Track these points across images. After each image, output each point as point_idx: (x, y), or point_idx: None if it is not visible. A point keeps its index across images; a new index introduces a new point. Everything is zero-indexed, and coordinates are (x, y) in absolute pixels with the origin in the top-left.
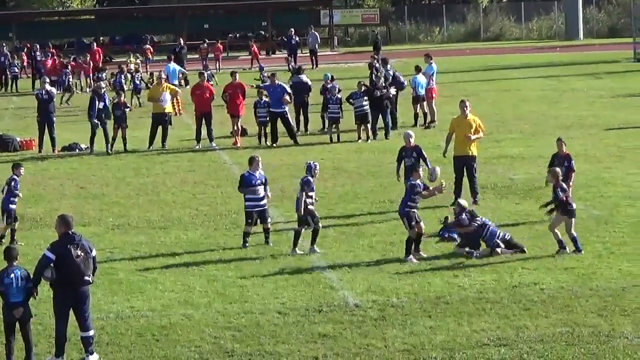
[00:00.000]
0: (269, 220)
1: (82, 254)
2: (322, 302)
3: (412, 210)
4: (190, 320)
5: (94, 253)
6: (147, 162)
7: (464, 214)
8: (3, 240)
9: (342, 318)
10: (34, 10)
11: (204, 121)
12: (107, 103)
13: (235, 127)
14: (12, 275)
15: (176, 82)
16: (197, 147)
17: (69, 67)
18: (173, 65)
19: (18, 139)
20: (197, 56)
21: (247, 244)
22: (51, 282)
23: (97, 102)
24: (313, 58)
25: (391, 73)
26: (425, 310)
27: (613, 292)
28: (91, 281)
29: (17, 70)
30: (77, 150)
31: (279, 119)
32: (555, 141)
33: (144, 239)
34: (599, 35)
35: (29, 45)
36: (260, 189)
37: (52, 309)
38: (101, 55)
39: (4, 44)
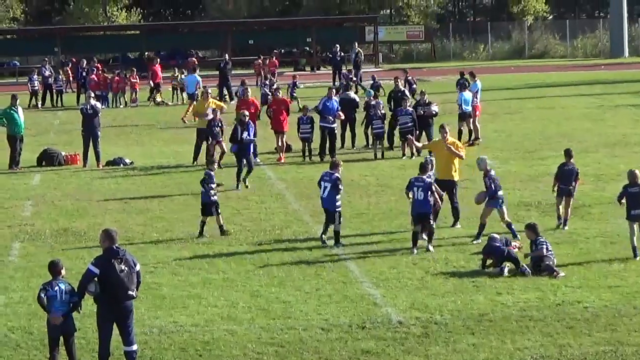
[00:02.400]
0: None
1: (126, 268)
2: (365, 318)
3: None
4: (233, 336)
5: (137, 268)
6: (191, 177)
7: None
8: (227, 233)
9: (385, 335)
10: (80, 25)
11: None
12: (252, 132)
13: (280, 143)
14: (57, 288)
15: (197, 92)
16: None
17: (112, 82)
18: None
19: (63, 154)
20: (242, 72)
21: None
22: (95, 296)
23: (239, 133)
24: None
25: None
26: (468, 328)
27: None
28: (135, 296)
29: (62, 85)
30: (122, 164)
31: (328, 134)
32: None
33: (187, 254)
34: None
35: (74, 60)
36: None
37: (95, 324)
38: (159, 73)
39: (45, 59)
